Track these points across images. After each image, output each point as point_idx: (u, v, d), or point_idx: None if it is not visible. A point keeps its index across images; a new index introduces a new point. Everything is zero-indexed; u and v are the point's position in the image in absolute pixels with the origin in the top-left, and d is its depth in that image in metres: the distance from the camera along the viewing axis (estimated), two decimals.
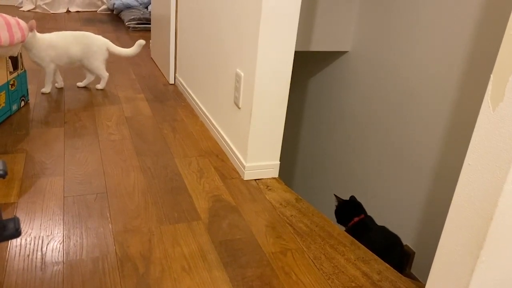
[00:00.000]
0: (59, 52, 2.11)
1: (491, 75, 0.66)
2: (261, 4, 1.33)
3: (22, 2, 4.53)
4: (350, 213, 1.82)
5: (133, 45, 2.29)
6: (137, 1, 4.46)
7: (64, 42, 2.12)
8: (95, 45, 2.20)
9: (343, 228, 1.82)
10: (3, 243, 1.14)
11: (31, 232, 1.19)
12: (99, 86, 2.30)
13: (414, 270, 1.88)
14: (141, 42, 2.29)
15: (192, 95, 2.18)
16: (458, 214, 0.72)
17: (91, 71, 2.28)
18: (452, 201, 0.73)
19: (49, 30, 2.15)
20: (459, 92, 1.63)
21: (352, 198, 1.91)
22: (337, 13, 2.15)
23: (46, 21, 3.95)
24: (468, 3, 1.56)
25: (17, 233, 0.55)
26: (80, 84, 2.31)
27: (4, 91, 1.79)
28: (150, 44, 3.06)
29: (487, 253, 0.68)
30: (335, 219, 1.88)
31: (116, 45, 2.27)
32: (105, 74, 2.28)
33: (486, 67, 1.53)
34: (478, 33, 1.53)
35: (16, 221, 0.55)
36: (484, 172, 0.67)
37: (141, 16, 4.00)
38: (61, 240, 1.16)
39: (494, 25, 1.48)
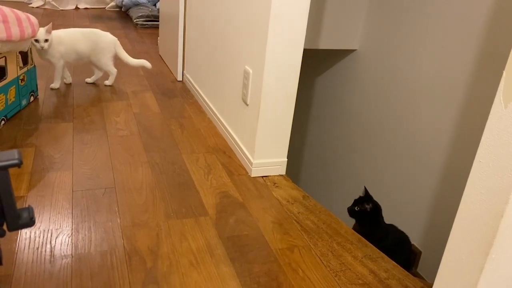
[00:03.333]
0: (68, 48, 2.12)
1: (504, 72, 0.65)
2: (270, 2, 1.33)
3: None
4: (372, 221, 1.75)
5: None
6: None
7: (73, 38, 2.13)
8: (103, 42, 2.21)
9: (351, 225, 1.80)
10: (13, 236, 1.15)
11: (40, 226, 1.20)
12: (107, 82, 2.31)
13: (420, 270, 1.87)
14: (147, 65, 2.33)
15: (200, 92, 2.18)
16: (468, 210, 0.72)
17: (99, 68, 2.29)
18: (462, 198, 0.73)
19: (58, 27, 2.17)
20: (468, 90, 1.62)
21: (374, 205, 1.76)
22: (346, 12, 2.15)
23: (54, 18, 3.97)
24: (477, 1, 1.55)
25: (31, 222, 0.55)
26: (88, 80, 2.32)
27: (14, 86, 1.81)
28: (158, 41, 3.06)
29: (497, 250, 0.68)
30: (341, 217, 1.86)
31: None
32: (113, 71, 2.29)
33: (496, 66, 1.52)
34: (488, 32, 1.52)
35: (30, 210, 0.55)
36: (495, 169, 0.67)
37: (150, 13, 4.01)
38: (70, 234, 1.17)
39: (504, 24, 1.47)
